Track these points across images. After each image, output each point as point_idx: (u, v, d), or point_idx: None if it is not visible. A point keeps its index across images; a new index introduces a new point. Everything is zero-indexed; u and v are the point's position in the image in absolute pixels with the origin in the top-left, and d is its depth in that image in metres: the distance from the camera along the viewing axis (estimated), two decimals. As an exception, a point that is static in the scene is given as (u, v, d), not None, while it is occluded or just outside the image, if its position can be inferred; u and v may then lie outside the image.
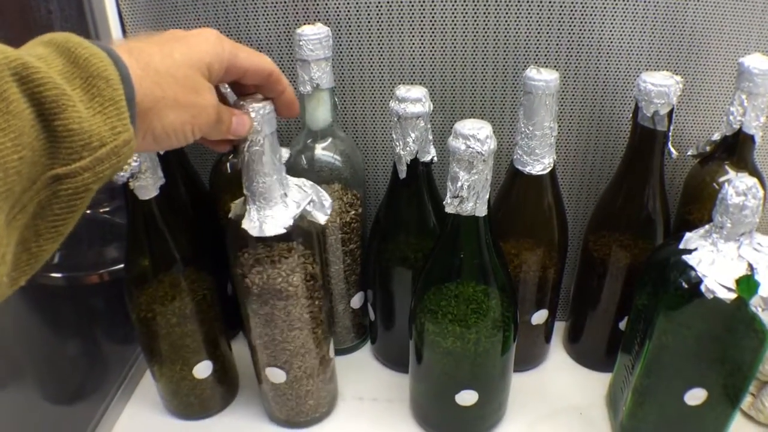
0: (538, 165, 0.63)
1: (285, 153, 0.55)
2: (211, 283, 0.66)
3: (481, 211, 0.54)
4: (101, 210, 0.86)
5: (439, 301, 0.60)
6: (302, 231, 0.58)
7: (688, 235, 0.58)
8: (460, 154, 0.51)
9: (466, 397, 0.63)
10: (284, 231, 0.55)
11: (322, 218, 0.57)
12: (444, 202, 0.55)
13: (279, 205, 0.55)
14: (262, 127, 0.50)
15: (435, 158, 0.64)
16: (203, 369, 0.67)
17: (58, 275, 0.77)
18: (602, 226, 0.69)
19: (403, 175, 0.63)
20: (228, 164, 0.70)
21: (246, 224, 0.54)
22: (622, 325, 0.71)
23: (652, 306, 0.59)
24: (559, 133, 0.63)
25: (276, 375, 0.64)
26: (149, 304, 0.62)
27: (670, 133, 0.62)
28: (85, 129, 0.31)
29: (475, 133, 0.50)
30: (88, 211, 0.83)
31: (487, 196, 0.54)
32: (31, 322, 0.78)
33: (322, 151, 0.66)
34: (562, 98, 0.69)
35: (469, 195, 0.53)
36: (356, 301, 0.76)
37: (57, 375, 0.77)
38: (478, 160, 0.51)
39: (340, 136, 0.67)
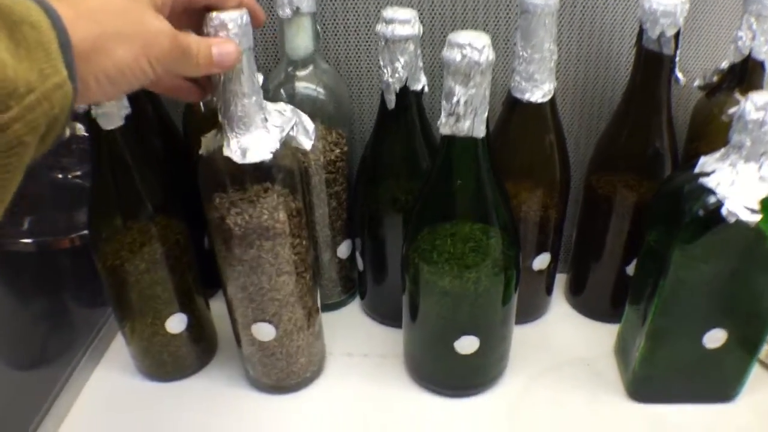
0: (538, 91, 0.58)
1: (259, 77, 0.50)
2: (183, 228, 0.60)
3: (479, 131, 0.49)
4: (71, 175, 0.81)
5: (434, 240, 0.55)
6: (283, 168, 0.52)
7: (703, 159, 0.53)
8: (455, 66, 0.46)
9: (466, 344, 0.58)
10: (270, 156, 0.49)
11: (307, 143, 0.52)
12: (438, 123, 0.50)
13: (260, 130, 0.49)
14: (240, 41, 0.45)
15: (426, 87, 0.59)
16: (176, 323, 0.62)
17: (28, 241, 0.73)
18: (606, 162, 0.64)
19: (391, 105, 0.58)
20: (201, 103, 0.65)
21: (226, 152, 0.49)
22: (630, 269, 0.66)
23: (665, 241, 0.54)
24: (557, 59, 0.58)
25: (264, 331, 0.58)
26: (117, 251, 0.57)
27: (677, 59, 0.58)
28: (9, 76, 0.28)
29: (471, 41, 0.45)
30: (59, 176, 0.79)
31: (486, 116, 0.49)
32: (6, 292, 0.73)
33: (303, 83, 0.61)
34: (561, 21, 0.64)
35: (466, 112, 0.48)
36: (343, 250, 0.70)
37: (25, 340, 0.71)
38: (476, 71, 0.46)
39: (323, 68, 0.62)
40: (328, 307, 0.73)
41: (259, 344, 0.60)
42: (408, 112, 0.59)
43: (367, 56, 0.68)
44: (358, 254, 0.70)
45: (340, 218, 0.68)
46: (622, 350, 0.64)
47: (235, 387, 0.65)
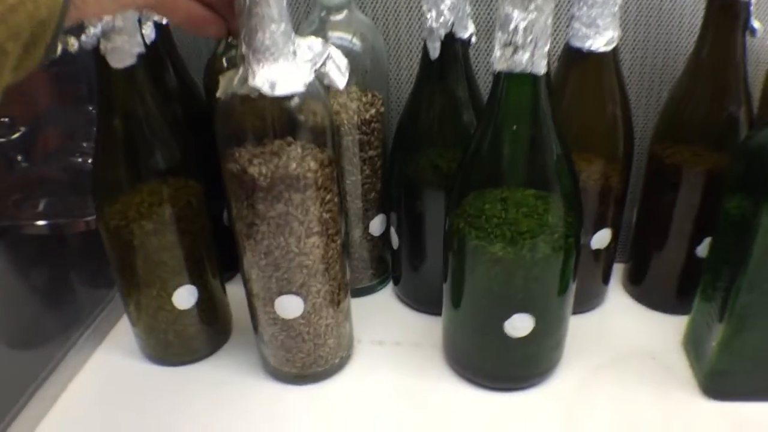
0: (600, 38, 0.51)
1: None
2: (197, 189, 0.54)
3: (540, 66, 0.43)
4: (90, 159, 0.77)
5: (483, 205, 0.48)
6: (311, 116, 0.46)
7: (792, 110, 0.46)
8: (514, -14, 0.40)
9: (519, 324, 0.50)
10: (303, 90, 0.43)
11: (341, 81, 0.46)
12: (491, 59, 0.44)
13: (290, 63, 0.43)
14: None
15: (474, 37, 0.53)
16: (185, 296, 0.55)
17: (44, 223, 0.68)
18: (673, 128, 0.57)
19: (435, 54, 0.52)
20: (224, 59, 0.59)
21: (252, 83, 0.43)
22: (701, 250, 0.58)
23: (750, 207, 0.47)
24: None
25: (289, 307, 0.51)
26: (123, 210, 0.51)
27: (752, 7, 0.51)
28: None
29: (534, -42, 0.39)
30: (79, 160, 0.75)
31: (547, 49, 0.43)
32: (13, 271, 0.67)
33: (338, 33, 0.55)
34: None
35: (525, 42, 0.42)
36: (376, 226, 0.63)
37: (29, 318, 0.65)
38: (538, -9, 0.40)
39: (359, 18, 0.56)
40: (358, 292, 0.66)
41: (283, 323, 0.52)
42: (454, 66, 0.53)
43: (407, 8, 0.62)
44: (393, 231, 0.63)
45: (374, 189, 0.61)
46: (693, 342, 0.56)
47: (250, 376, 0.57)
